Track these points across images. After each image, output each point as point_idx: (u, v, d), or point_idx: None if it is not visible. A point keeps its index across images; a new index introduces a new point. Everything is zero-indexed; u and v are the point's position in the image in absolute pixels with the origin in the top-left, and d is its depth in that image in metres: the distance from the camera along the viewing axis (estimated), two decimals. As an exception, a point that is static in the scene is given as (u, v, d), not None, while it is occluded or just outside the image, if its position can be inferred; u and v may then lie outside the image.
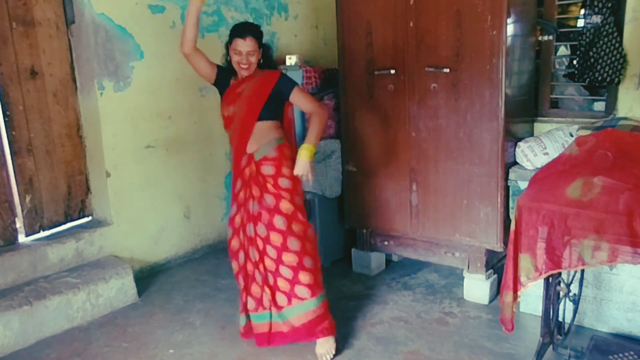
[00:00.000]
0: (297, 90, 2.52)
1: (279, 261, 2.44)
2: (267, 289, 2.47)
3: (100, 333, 2.75)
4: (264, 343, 2.51)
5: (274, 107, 2.54)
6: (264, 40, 2.56)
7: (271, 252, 2.45)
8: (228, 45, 2.53)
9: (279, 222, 2.43)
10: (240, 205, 2.54)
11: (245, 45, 2.44)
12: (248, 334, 2.58)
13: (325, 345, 2.48)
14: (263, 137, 2.50)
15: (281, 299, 2.45)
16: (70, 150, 3.19)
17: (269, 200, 2.45)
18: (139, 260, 3.39)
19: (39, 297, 2.71)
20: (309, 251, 2.48)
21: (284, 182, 2.48)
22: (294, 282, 2.44)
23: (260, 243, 2.46)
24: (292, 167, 2.48)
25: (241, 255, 2.55)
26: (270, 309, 2.48)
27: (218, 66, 2.60)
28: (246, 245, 2.52)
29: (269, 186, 2.46)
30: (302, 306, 2.44)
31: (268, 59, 2.61)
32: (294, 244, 2.44)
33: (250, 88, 2.50)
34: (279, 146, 2.51)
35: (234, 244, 2.58)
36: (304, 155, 2.42)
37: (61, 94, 3.11)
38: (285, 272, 2.44)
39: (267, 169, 2.48)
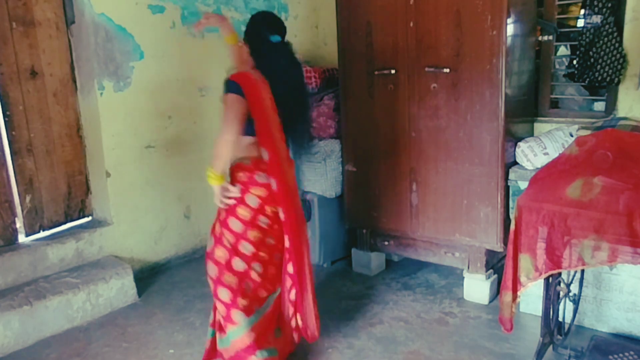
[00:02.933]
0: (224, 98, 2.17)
1: (217, 282, 2.31)
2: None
3: (100, 333, 2.75)
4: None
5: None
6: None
7: (211, 270, 2.34)
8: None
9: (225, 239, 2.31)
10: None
11: None
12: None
13: None
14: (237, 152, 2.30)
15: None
16: (70, 150, 3.19)
17: (221, 212, 2.37)
18: (139, 260, 3.39)
19: (39, 297, 2.71)
20: (223, 282, 2.27)
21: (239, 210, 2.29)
22: (231, 306, 2.27)
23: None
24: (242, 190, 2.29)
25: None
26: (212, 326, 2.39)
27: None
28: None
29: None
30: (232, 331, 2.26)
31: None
32: (238, 264, 2.27)
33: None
34: (234, 167, 2.34)
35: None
36: (215, 179, 2.23)
37: (61, 94, 3.11)
38: (222, 294, 2.30)
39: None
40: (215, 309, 2.37)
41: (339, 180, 3.33)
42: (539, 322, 2.19)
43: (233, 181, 2.30)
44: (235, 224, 2.27)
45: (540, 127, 3.16)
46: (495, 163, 2.72)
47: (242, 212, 2.27)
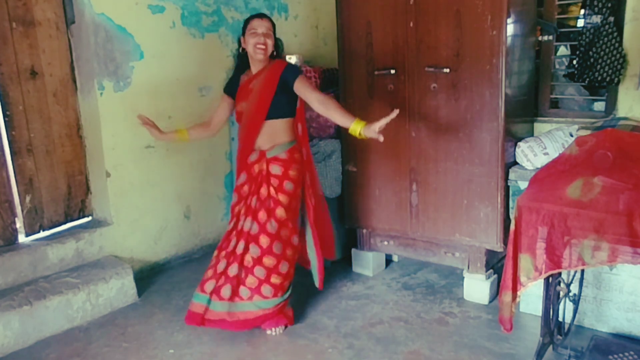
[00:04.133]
0: (301, 78, 2.55)
1: (258, 261, 2.56)
2: (232, 282, 2.54)
3: (100, 333, 2.75)
4: (194, 323, 2.55)
5: (286, 101, 2.61)
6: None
7: (255, 251, 2.56)
8: (241, 37, 2.64)
9: (271, 226, 2.57)
10: (242, 197, 2.67)
11: (262, 25, 2.56)
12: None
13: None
14: (277, 137, 2.62)
15: (245, 293, 2.56)
16: (70, 150, 3.19)
17: (269, 202, 2.58)
18: (139, 260, 3.39)
19: (39, 297, 2.71)
20: (288, 257, 2.62)
21: (288, 185, 2.61)
22: (263, 281, 2.56)
23: (248, 240, 2.58)
24: (298, 170, 2.65)
25: (233, 240, 2.63)
26: (212, 296, 2.53)
27: (225, 90, 2.80)
28: (237, 235, 2.62)
29: (272, 189, 2.59)
30: (259, 303, 2.56)
31: (279, 53, 2.69)
32: (277, 247, 2.58)
33: (260, 83, 2.58)
34: (290, 149, 2.64)
35: (230, 225, 2.70)
36: (359, 125, 2.37)
37: (61, 94, 3.11)
38: (260, 272, 2.56)
39: (275, 169, 2.61)
40: (220, 277, 2.55)
41: (339, 180, 3.33)
42: (539, 322, 2.19)
43: (293, 162, 2.63)
44: (291, 202, 2.63)
45: (540, 127, 3.16)
46: (495, 163, 2.72)
47: (298, 192, 2.68)
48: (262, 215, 2.57)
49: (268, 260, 2.56)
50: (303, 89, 2.54)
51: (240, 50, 2.67)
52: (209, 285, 2.56)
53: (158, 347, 2.60)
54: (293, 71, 2.57)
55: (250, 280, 2.55)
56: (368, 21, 2.98)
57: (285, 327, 2.71)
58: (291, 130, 2.68)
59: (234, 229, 2.65)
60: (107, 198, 3.22)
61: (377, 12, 2.94)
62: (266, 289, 2.56)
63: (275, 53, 2.65)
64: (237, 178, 2.74)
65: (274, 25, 2.63)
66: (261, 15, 2.60)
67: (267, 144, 2.62)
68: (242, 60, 2.69)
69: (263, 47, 2.54)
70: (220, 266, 2.59)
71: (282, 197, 2.59)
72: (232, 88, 2.74)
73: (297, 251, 2.73)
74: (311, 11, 4.36)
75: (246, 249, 2.57)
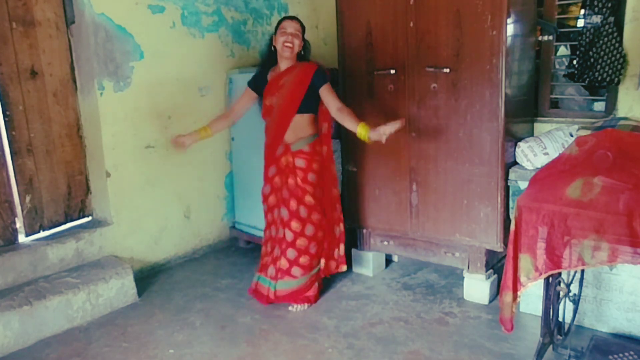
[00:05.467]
0: (327, 87, 2.81)
1: (291, 244, 2.87)
2: (276, 263, 2.92)
3: (100, 333, 2.75)
4: (264, 302, 2.95)
5: (312, 99, 2.84)
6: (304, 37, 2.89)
7: (289, 235, 2.87)
8: (273, 36, 2.87)
9: (302, 211, 2.86)
10: (275, 189, 2.94)
11: (291, 25, 2.81)
12: (252, 291, 3.04)
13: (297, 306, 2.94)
14: (301, 131, 2.86)
15: (279, 273, 2.90)
16: (70, 150, 3.19)
17: (298, 191, 2.85)
18: (139, 260, 3.39)
19: (39, 297, 2.71)
20: (318, 238, 2.93)
21: (311, 177, 2.88)
22: (294, 263, 2.87)
23: (284, 226, 2.88)
24: (320, 162, 2.91)
25: (273, 229, 2.99)
26: (272, 278, 2.91)
27: (250, 84, 2.99)
28: (277, 223, 2.95)
29: (298, 179, 2.85)
30: (290, 282, 2.89)
31: (307, 54, 2.93)
32: (310, 229, 2.89)
33: (291, 80, 2.81)
34: (313, 143, 2.89)
35: (269, 217, 3.03)
36: (365, 129, 2.62)
37: (61, 94, 3.11)
38: (291, 254, 2.87)
39: (300, 162, 2.86)
40: (276, 260, 2.91)
41: (339, 180, 3.32)
42: (539, 322, 2.19)
43: (315, 154, 2.89)
44: (316, 190, 2.92)
45: (540, 127, 3.16)
46: (495, 163, 2.72)
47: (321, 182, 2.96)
48: (292, 203, 2.85)
49: (300, 242, 2.87)
50: (326, 95, 2.80)
51: (272, 48, 2.89)
52: (270, 270, 2.94)
53: (158, 347, 2.60)
54: (322, 77, 2.81)
55: (282, 262, 2.87)
56: (368, 21, 2.98)
57: (309, 305, 2.94)
58: (313, 125, 2.91)
59: (273, 220, 2.98)
60: (107, 198, 3.22)
61: (377, 12, 2.94)
62: (295, 270, 2.88)
63: (302, 53, 2.88)
64: (267, 170, 2.97)
65: (303, 28, 2.87)
66: (292, 17, 2.86)
67: (292, 138, 2.85)
68: (270, 57, 2.93)
69: (290, 45, 2.78)
70: (276, 252, 2.94)
71: (308, 187, 2.87)
72: (258, 83, 2.95)
73: (325, 231, 3.00)
74: (311, 11, 4.36)
75: (283, 235, 2.88)
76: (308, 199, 2.86)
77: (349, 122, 2.71)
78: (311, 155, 2.87)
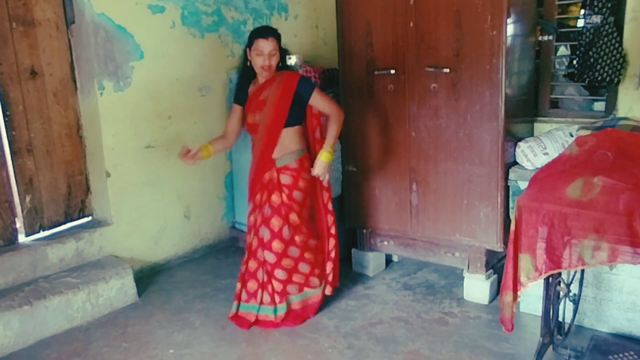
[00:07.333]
0: (316, 92, 2.69)
1: (276, 265, 2.68)
2: (267, 288, 2.73)
3: (100, 333, 2.75)
4: (246, 327, 2.71)
5: (297, 111, 2.69)
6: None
7: (269, 257, 2.68)
8: (247, 49, 2.68)
9: (285, 232, 2.67)
10: (256, 207, 2.75)
11: (267, 45, 2.59)
12: (234, 318, 2.78)
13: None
14: (288, 145, 2.69)
15: (266, 298, 2.72)
16: (70, 150, 3.19)
17: (282, 209, 2.66)
18: (139, 260, 3.39)
19: (39, 297, 2.71)
20: (306, 259, 2.75)
21: (297, 195, 2.70)
22: (287, 282, 2.71)
23: (264, 248, 2.69)
24: (307, 180, 2.73)
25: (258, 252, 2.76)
26: (260, 303, 2.73)
27: (235, 100, 2.84)
28: (256, 244, 2.73)
29: (284, 196, 2.66)
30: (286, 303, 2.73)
31: (284, 62, 2.76)
32: (294, 252, 2.70)
33: (274, 94, 2.63)
34: (300, 158, 2.71)
35: (248, 239, 2.81)
36: (324, 156, 2.66)
37: (61, 94, 3.11)
38: (280, 274, 2.70)
39: (286, 179, 2.68)
40: (266, 287, 2.72)
41: (339, 180, 3.33)
42: (539, 322, 2.19)
43: (303, 170, 2.71)
44: (302, 210, 2.74)
45: (540, 127, 3.16)
46: (495, 163, 2.72)
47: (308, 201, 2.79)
48: (275, 221, 2.65)
49: (286, 262, 2.69)
50: (320, 103, 2.71)
51: (248, 64, 2.69)
52: (244, 296, 2.77)
53: (158, 347, 2.60)
54: (309, 85, 2.67)
55: (275, 284, 2.70)
56: (368, 21, 2.98)
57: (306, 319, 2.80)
58: (301, 138, 2.74)
59: (254, 240, 2.75)
60: (107, 198, 3.22)
61: (377, 12, 2.94)
62: (291, 289, 2.73)
63: (280, 64, 2.69)
64: (252, 188, 2.77)
65: (279, 39, 2.65)
66: (266, 35, 2.60)
67: (278, 153, 2.68)
68: (248, 72, 2.74)
69: (268, 66, 2.61)
70: (259, 275, 2.74)
71: (294, 204, 2.69)
72: (242, 97, 2.79)
73: (318, 252, 2.83)
74: (311, 11, 4.36)
75: (264, 259, 2.70)
76: (293, 217, 2.66)
77: (328, 135, 2.69)
78: (298, 172, 2.68)
